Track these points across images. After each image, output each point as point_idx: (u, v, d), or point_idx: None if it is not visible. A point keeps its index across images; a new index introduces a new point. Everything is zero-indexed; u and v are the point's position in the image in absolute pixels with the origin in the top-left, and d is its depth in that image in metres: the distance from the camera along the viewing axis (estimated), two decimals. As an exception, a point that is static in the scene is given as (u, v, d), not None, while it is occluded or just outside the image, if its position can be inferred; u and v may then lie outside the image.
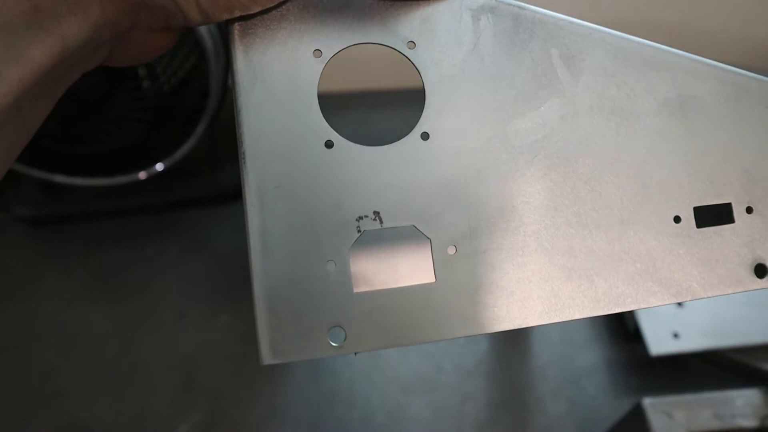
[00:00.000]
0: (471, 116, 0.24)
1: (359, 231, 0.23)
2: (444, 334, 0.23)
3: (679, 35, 0.71)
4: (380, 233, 0.23)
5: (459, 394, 0.65)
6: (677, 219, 0.25)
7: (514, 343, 0.69)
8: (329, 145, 0.23)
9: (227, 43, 0.23)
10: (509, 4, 0.24)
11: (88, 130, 0.57)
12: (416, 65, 0.24)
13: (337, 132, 0.23)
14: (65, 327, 0.68)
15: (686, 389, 0.55)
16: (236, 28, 0.23)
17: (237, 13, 0.22)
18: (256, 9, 0.22)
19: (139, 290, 0.71)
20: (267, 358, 0.22)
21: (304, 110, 0.23)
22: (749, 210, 0.26)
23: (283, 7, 0.23)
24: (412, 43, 0.24)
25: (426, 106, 0.24)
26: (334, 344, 0.22)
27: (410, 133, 0.23)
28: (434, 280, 0.23)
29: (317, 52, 0.23)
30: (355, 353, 0.22)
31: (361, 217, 0.23)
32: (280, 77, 0.23)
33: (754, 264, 0.25)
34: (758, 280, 0.25)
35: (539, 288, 0.24)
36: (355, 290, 0.22)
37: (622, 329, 0.69)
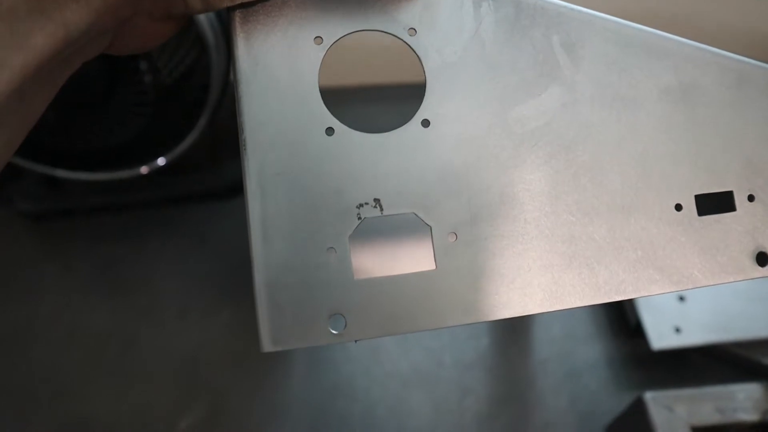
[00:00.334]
0: (472, 103, 0.24)
1: (360, 218, 0.23)
2: (444, 321, 0.23)
3: (681, 26, 0.71)
4: (381, 221, 0.23)
5: (459, 389, 0.65)
6: (679, 207, 0.25)
7: (515, 337, 0.69)
8: (330, 132, 0.23)
9: (228, 31, 0.23)
10: (510, -8, 0.24)
11: (89, 125, 0.57)
12: (417, 52, 0.24)
13: (337, 119, 0.23)
14: (66, 322, 0.68)
15: (688, 383, 0.55)
16: (237, 15, 0.23)
17: (238, 1, 0.22)
18: (257, -4, 0.22)
19: (141, 285, 0.71)
20: (267, 345, 0.22)
21: (305, 97, 0.23)
22: (751, 198, 0.26)
23: (284, -6, 0.23)
24: (413, 30, 0.24)
25: (427, 93, 0.24)
26: (334, 332, 0.22)
27: (411, 121, 0.23)
28: (435, 267, 0.23)
29: (318, 39, 0.23)
30: (356, 341, 0.22)
31: (361, 205, 0.23)
32: (281, 64, 0.23)
33: (756, 252, 0.25)
34: (760, 268, 0.25)
35: (540, 275, 0.24)
36: (356, 278, 0.22)
37: (623, 324, 0.69)
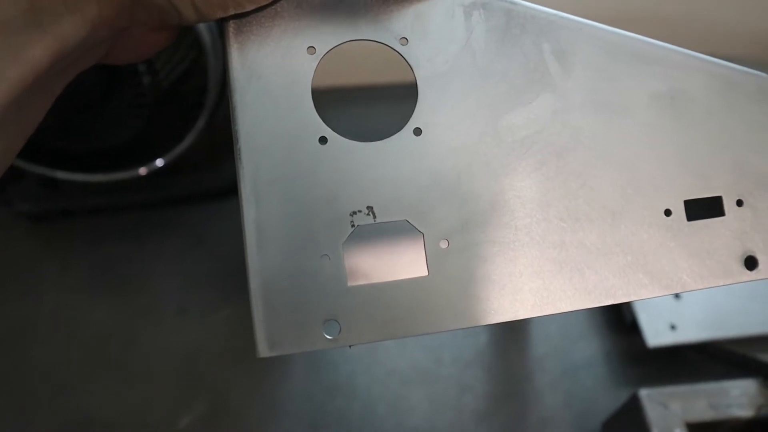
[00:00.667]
0: (463, 112, 0.24)
1: (353, 225, 0.23)
2: (437, 326, 0.23)
3: (670, 29, 0.71)
4: (374, 228, 0.23)
5: (458, 386, 0.66)
6: (668, 212, 0.25)
7: (513, 335, 0.70)
8: (323, 141, 0.23)
9: (223, 41, 0.24)
10: (501, 0, 0.25)
11: (88, 127, 0.58)
12: (409, 62, 0.24)
13: (330, 128, 0.23)
14: (66, 322, 0.68)
15: (683, 380, 0.55)
16: (231, 26, 0.23)
17: (231, 12, 0.22)
18: (250, 7, 0.22)
19: (140, 285, 0.71)
20: (263, 350, 0.22)
21: (299, 106, 0.23)
22: (739, 203, 0.26)
23: (277, 4, 0.23)
24: (404, 40, 0.24)
25: (418, 101, 0.24)
26: (328, 337, 0.22)
27: (403, 129, 0.24)
28: (427, 273, 0.23)
29: (311, 49, 0.23)
30: (350, 346, 0.23)
31: (354, 212, 0.23)
32: (274, 74, 0.23)
33: (744, 256, 0.26)
34: (748, 272, 0.26)
35: (531, 281, 0.24)
36: (349, 284, 0.23)
37: (619, 321, 0.70)
